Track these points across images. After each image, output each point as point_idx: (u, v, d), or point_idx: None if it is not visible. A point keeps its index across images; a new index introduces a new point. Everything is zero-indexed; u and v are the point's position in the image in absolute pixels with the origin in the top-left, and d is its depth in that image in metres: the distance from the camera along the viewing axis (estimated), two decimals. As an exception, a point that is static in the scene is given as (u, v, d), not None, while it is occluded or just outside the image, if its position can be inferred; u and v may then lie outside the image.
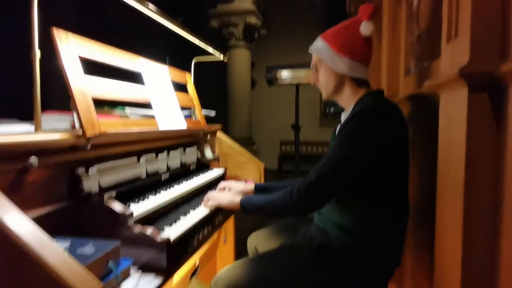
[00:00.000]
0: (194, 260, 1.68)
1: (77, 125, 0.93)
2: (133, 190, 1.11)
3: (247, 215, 1.13)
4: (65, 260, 0.55)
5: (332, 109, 6.17)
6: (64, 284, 0.52)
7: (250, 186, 1.33)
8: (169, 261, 0.86)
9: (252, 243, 1.39)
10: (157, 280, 0.82)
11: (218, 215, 1.27)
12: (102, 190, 0.98)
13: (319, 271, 0.97)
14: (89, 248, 0.68)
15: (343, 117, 1.10)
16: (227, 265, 1.16)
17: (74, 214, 0.89)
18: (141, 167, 1.20)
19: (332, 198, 0.97)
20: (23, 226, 0.57)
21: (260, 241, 1.36)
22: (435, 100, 0.95)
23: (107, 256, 0.69)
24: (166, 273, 0.85)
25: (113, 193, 1.01)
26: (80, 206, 0.90)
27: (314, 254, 0.99)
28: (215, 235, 1.94)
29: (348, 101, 1.08)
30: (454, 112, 0.79)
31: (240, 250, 2.32)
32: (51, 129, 0.97)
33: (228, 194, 1.22)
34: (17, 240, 0.55)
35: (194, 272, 1.70)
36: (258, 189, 1.33)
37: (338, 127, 1.09)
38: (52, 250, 0.56)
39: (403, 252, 1.00)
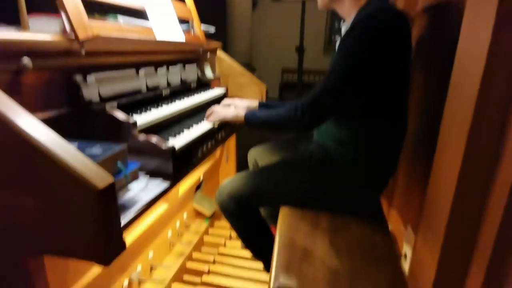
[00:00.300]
0: (198, 174, 1.76)
1: (67, 28, 0.86)
2: (134, 103, 1.09)
3: (251, 129, 1.13)
4: (78, 157, 0.56)
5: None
6: (78, 177, 0.53)
7: (254, 103, 1.31)
8: (175, 168, 0.88)
9: (253, 156, 1.43)
10: (165, 184, 0.86)
11: (221, 131, 1.27)
12: (103, 100, 0.96)
13: (317, 182, 1.01)
14: (97, 149, 0.69)
15: (344, 29, 1.02)
16: (229, 177, 1.21)
17: (76, 121, 0.88)
18: (141, 81, 1.16)
19: (335, 113, 0.96)
20: (34, 126, 0.56)
21: (261, 155, 1.40)
22: (458, 10, 0.86)
23: (116, 156, 0.69)
24: (172, 179, 0.88)
25: (114, 104, 0.99)
26: (82, 113, 0.88)
27: (314, 167, 1.02)
28: (217, 153, 1.99)
29: (349, 9, 0.99)
30: (478, 22, 0.72)
31: (241, 169, 2.42)
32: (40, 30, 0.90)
33: (233, 109, 1.20)
34: (30, 139, 0.54)
35: (198, 186, 1.79)
36: (262, 107, 1.31)
37: (338, 42, 1.02)
38: (64, 147, 0.56)
39: (398, 164, 1.02)
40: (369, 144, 0.95)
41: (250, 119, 1.10)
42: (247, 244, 1.24)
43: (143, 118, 0.99)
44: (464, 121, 0.70)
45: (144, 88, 1.17)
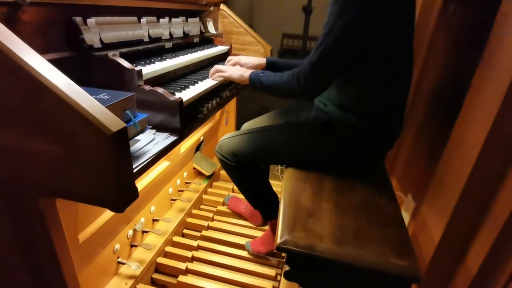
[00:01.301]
0: (199, 135, 1.74)
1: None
2: (137, 53, 1.04)
3: (255, 91, 1.10)
4: (90, 100, 0.53)
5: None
6: (91, 120, 0.51)
7: (262, 60, 1.26)
8: (182, 121, 0.86)
9: (247, 128, 1.40)
10: (172, 137, 0.84)
11: (225, 90, 1.24)
12: (105, 46, 0.91)
13: (321, 146, 1.00)
14: (104, 96, 0.66)
15: None
16: (228, 134, 1.20)
17: (77, 66, 0.83)
18: (143, 29, 1.09)
19: (337, 76, 0.92)
20: (43, 65, 0.52)
21: (258, 125, 1.36)
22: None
23: (124, 103, 0.67)
24: (180, 133, 0.86)
25: (117, 52, 0.94)
26: (83, 59, 0.84)
27: (318, 131, 1.00)
28: (217, 116, 1.97)
29: None
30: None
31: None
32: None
33: (240, 68, 1.15)
34: (41, 79, 0.51)
35: (197, 148, 1.78)
36: (270, 64, 1.26)
37: None
38: (75, 90, 0.53)
39: (403, 126, 1.00)
40: (372, 108, 0.93)
41: (254, 82, 1.05)
42: (245, 194, 1.27)
43: (147, 69, 0.94)
44: (499, 88, 0.67)
45: (146, 37, 1.11)
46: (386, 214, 0.81)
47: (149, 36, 1.13)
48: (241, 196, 1.57)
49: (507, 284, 0.59)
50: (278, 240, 0.71)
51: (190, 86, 1.04)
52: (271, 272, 1.30)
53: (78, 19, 0.82)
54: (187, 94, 0.96)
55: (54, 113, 0.53)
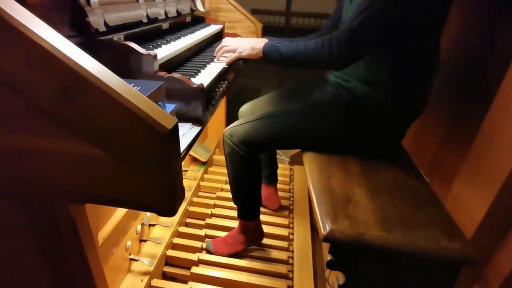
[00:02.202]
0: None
1: None
2: (139, 36, 0.94)
3: (270, 64, 1.02)
4: (136, 94, 0.46)
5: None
6: (144, 117, 0.45)
7: (262, 41, 1.19)
8: (204, 108, 0.81)
9: (249, 110, 1.35)
10: (196, 128, 0.79)
11: (230, 72, 1.17)
12: (109, 30, 0.81)
13: (347, 124, 0.98)
14: (134, 87, 0.59)
15: None
16: (239, 120, 1.14)
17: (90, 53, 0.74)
18: (142, 9, 0.99)
19: (377, 47, 0.89)
20: (80, 54, 0.45)
21: (260, 108, 1.31)
22: None
23: (156, 94, 0.60)
24: (201, 122, 0.81)
25: (121, 36, 0.85)
26: (92, 44, 0.74)
27: (344, 110, 0.98)
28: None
29: None
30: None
31: (231, 119, 2.36)
32: None
33: (248, 41, 1.07)
34: (78, 69, 0.44)
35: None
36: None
37: None
38: (118, 81, 0.46)
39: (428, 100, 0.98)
40: (401, 85, 0.91)
41: (269, 53, 0.98)
42: (236, 188, 1.19)
43: (159, 54, 0.86)
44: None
45: (145, 18, 1.02)
46: (421, 195, 0.82)
47: (147, 16, 1.03)
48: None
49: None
50: (323, 231, 0.70)
51: (201, 71, 0.98)
52: (283, 255, 1.32)
53: (82, 0, 0.72)
54: (202, 79, 0.90)
55: (95, 110, 0.46)
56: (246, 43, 1.04)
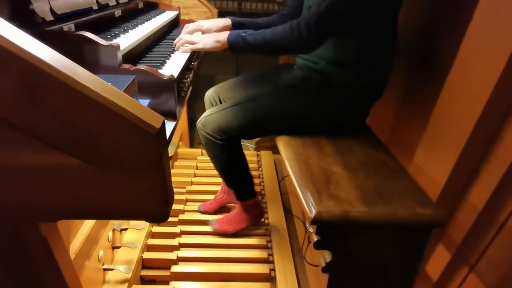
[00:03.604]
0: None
1: None
2: (91, 24, 0.84)
3: (236, 54, 1.00)
4: (116, 91, 0.41)
5: None
6: (127, 118, 0.40)
7: (226, 21, 1.14)
8: (177, 101, 0.76)
9: (215, 95, 1.31)
10: (171, 123, 0.74)
11: (193, 61, 1.11)
12: (57, 18, 0.71)
13: (319, 106, 0.99)
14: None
15: None
16: (210, 109, 1.10)
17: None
18: (90, -6, 0.89)
19: (343, 30, 0.91)
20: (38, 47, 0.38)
21: (226, 92, 1.29)
22: None
23: (130, 90, 0.54)
24: (176, 116, 0.76)
25: (71, 25, 0.75)
26: (39, 35, 0.64)
27: (316, 90, 0.99)
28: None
29: None
30: None
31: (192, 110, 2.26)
32: None
33: (210, 35, 1.03)
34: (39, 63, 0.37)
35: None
36: (235, 25, 1.15)
37: None
38: (94, 78, 0.40)
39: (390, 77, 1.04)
40: (367, 63, 0.95)
41: (236, 44, 0.95)
42: (224, 174, 1.20)
43: (121, 45, 0.78)
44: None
45: (95, 5, 0.91)
46: (391, 167, 0.87)
47: (97, 2, 0.92)
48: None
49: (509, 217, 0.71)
50: (310, 214, 0.71)
51: (166, 61, 0.91)
52: (262, 241, 1.33)
53: (22, -17, 0.62)
54: (171, 70, 0.84)
55: (68, 113, 0.40)
56: (209, 37, 0.99)
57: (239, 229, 1.33)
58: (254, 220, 1.35)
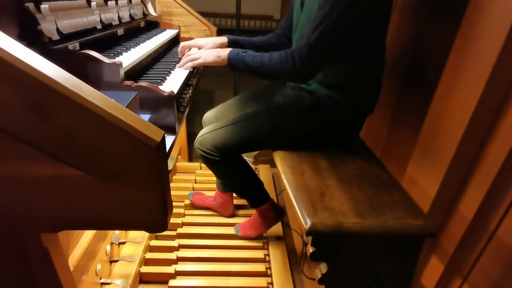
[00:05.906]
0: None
1: None
2: (95, 43, 0.88)
3: (233, 72, 1.04)
4: (118, 107, 0.44)
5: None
6: (131, 131, 0.43)
7: (223, 39, 1.18)
8: (176, 116, 0.78)
9: (213, 116, 1.35)
10: (171, 137, 0.76)
11: (193, 77, 1.15)
12: (63, 37, 0.75)
13: (311, 124, 1.03)
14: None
15: None
16: (206, 127, 1.14)
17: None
18: (95, 14, 0.93)
19: (335, 58, 0.94)
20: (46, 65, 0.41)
21: (226, 113, 1.33)
22: None
23: (132, 105, 0.57)
24: (175, 130, 0.79)
25: (76, 44, 0.79)
26: (46, 54, 0.68)
27: (304, 111, 1.03)
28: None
29: None
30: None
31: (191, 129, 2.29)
32: None
33: (212, 50, 1.06)
34: (51, 83, 0.40)
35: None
36: (231, 43, 1.18)
37: None
38: (98, 94, 0.43)
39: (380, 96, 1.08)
40: (357, 84, 0.98)
41: (235, 62, 0.98)
42: (231, 185, 1.26)
43: (123, 62, 0.82)
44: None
45: (99, 25, 0.95)
46: (383, 180, 0.90)
47: (101, 21, 0.97)
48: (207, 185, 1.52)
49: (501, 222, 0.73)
50: (305, 225, 0.73)
51: (167, 77, 0.95)
52: (260, 254, 1.33)
53: (31, 6, 0.66)
54: (171, 86, 0.87)
55: (73, 128, 0.42)
56: (210, 52, 1.03)
57: (261, 232, 1.38)
58: (276, 221, 1.37)
